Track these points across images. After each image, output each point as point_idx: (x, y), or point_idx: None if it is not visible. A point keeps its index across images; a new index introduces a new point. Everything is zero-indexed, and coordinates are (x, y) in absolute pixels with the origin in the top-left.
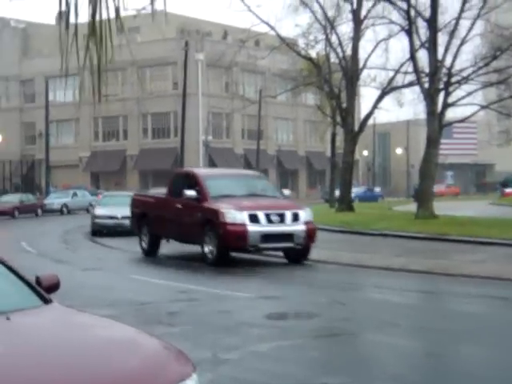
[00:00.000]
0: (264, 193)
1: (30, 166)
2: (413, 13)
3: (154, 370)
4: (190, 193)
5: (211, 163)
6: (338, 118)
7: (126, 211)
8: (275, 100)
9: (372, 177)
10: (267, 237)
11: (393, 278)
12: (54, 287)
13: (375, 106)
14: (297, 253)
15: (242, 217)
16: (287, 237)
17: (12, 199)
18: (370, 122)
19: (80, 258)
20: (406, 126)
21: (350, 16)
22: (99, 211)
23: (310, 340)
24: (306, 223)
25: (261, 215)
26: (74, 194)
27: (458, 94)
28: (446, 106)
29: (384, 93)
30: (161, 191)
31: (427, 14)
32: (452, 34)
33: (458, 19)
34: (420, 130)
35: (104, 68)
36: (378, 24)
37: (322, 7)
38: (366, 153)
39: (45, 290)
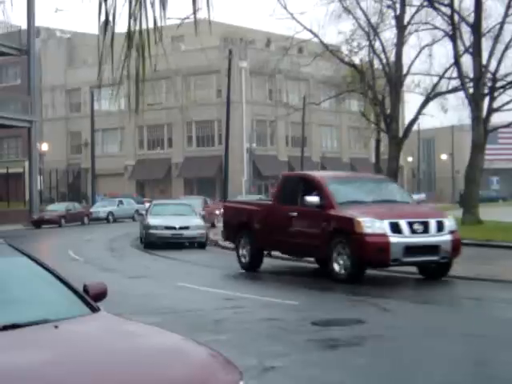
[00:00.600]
0: (395, 198)
1: (76, 175)
2: (456, 18)
3: (202, 378)
4: (313, 199)
5: (255, 170)
6: (382, 124)
7: (183, 221)
8: (319, 107)
9: (417, 183)
10: (411, 249)
11: (444, 285)
12: (101, 295)
13: (419, 112)
14: (439, 267)
15: (382, 226)
16: (432, 249)
17: (59, 208)
18: (415, 127)
19: (126, 266)
20: (450, 131)
21: (393, 22)
22: (153, 221)
23: (355, 347)
24: (452, 233)
25: (403, 224)
26: (120, 203)
27: (503, 98)
28: (490, 111)
29: (428, 98)
30: (252, 198)
31: (471, 19)
32: (496, 39)
33: (502, 24)
34: (465, 136)
35: (145, 77)
36: (422, 30)
37: (365, 14)
38: (410, 159)
39: (92, 298)
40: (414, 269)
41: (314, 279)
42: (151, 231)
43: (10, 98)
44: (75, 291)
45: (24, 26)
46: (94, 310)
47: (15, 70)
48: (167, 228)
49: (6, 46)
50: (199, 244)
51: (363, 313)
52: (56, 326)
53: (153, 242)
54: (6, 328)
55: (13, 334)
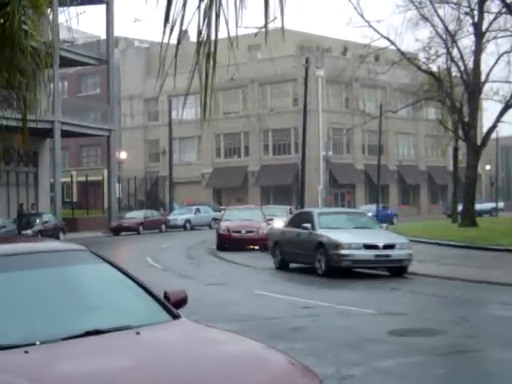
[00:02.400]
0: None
1: (154, 183)
2: None
3: None
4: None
5: (331, 179)
6: (460, 132)
7: (380, 236)
8: (396, 115)
9: (495, 191)
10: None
11: None
12: (182, 302)
13: (498, 120)
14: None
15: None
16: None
17: (137, 215)
18: (493, 135)
19: (204, 273)
20: None
21: (471, 29)
22: (340, 237)
23: (433, 357)
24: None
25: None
26: (197, 210)
27: None
28: None
29: (507, 106)
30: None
31: None
32: None
33: None
34: None
35: (214, 87)
36: (500, 36)
37: (442, 21)
38: (488, 167)
39: (173, 305)
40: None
41: (388, 288)
42: (342, 252)
43: (89, 107)
44: (156, 298)
45: (103, 36)
46: (175, 316)
47: (95, 80)
48: (367, 247)
49: (85, 56)
50: (400, 269)
51: (441, 322)
52: (138, 333)
53: (342, 268)
54: (88, 334)
55: (95, 340)
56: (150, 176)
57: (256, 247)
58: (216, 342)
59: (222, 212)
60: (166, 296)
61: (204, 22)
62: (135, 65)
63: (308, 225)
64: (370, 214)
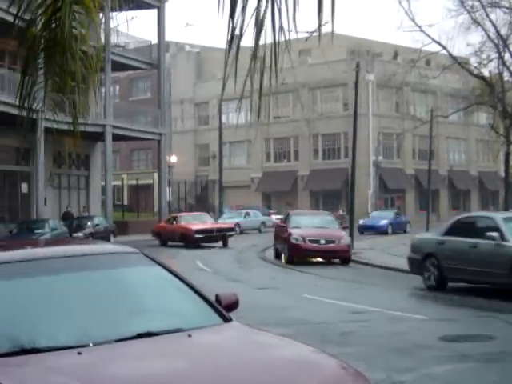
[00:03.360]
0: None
1: (204, 187)
2: None
3: None
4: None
5: (381, 184)
6: None
7: None
8: (446, 119)
9: None
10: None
11: None
12: (233, 306)
13: None
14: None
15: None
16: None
17: None
18: None
19: (253, 277)
20: None
21: None
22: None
23: (486, 363)
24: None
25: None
26: (247, 214)
27: None
28: None
29: None
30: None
31: None
32: None
33: None
34: None
35: (270, 91)
36: None
37: (494, 25)
38: None
39: (224, 308)
40: None
41: (437, 293)
42: None
43: (140, 111)
44: (208, 301)
45: (154, 41)
46: (227, 319)
47: (146, 84)
48: None
49: (137, 61)
50: None
51: (492, 328)
52: (189, 335)
53: None
54: (140, 336)
55: (147, 342)
56: (200, 180)
57: (336, 260)
58: (268, 345)
59: (273, 216)
60: (217, 299)
61: (260, 26)
62: (186, 69)
63: (494, 234)
64: (385, 222)
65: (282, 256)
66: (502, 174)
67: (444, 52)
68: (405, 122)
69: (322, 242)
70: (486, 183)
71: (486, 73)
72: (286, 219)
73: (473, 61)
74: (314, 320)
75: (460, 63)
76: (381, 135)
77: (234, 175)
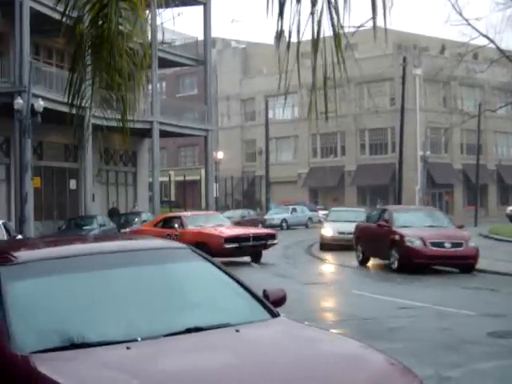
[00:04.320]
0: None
1: (251, 182)
2: None
3: None
4: None
5: (429, 179)
6: None
7: None
8: (495, 114)
9: None
10: None
11: None
12: (280, 301)
13: None
14: None
15: None
16: None
17: (234, 215)
18: None
19: (301, 273)
20: None
21: None
22: None
23: None
24: None
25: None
26: (293, 210)
27: None
28: None
29: None
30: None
31: None
32: None
33: None
34: None
35: (317, 86)
36: None
37: None
38: None
39: (272, 303)
40: None
41: (485, 289)
42: None
43: (187, 108)
44: (255, 296)
45: (201, 37)
46: (274, 315)
47: (192, 80)
48: None
49: (183, 57)
50: None
51: None
52: (237, 330)
53: None
54: (189, 331)
55: (196, 337)
56: (247, 176)
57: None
58: (315, 340)
59: (320, 212)
60: (264, 294)
61: (313, 21)
62: (232, 65)
63: None
64: None
65: (395, 262)
66: None
67: (492, 45)
68: (452, 117)
69: (447, 245)
70: None
71: None
72: (381, 216)
73: None
74: (363, 315)
75: (508, 57)
76: (428, 130)
77: (281, 171)
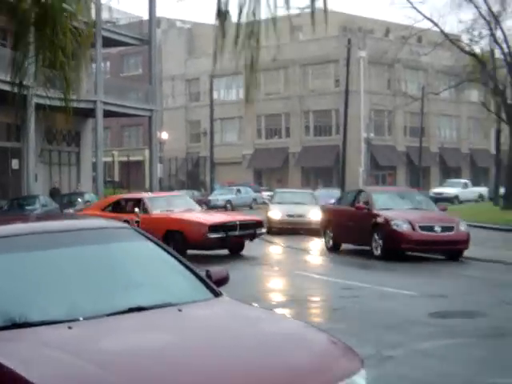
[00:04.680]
0: None
1: (195, 163)
2: None
3: (323, 364)
4: None
5: (372, 161)
6: (503, 115)
7: None
8: (438, 97)
9: None
10: None
11: None
12: (223, 281)
13: None
14: None
15: None
16: None
17: None
18: None
19: (245, 253)
20: None
21: None
22: None
23: (475, 339)
24: None
25: None
26: (238, 191)
27: None
28: None
29: None
30: None
31: None
32: None
33: None
34: None
35: (258, 68)
36: None
37: (486, 2)
38: None
39: (215, 283)
40: None
41: (432, 269)
42: None
43: (131, 88)
44: (198, 276)
45: (145, 17)
46: (217, 294)
47: (136, 60)
48: None
49: (128, 36)
50: None
51: (483, 305)
52: (180, 310)
53: None
54: (131, 310)
55: (138, 317)
56: (191, 157)
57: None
58: (257, 319)
59: (264, 193)
60: (207, 274)
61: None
62: (177, 45)
63: None
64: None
65: (377, 248)
66: (493, 151)
67: (436, 29)
68: (396, 99)
69: (438, 229)
70: (476, 160)
71: (477, 50)
72: (357, 198)
73: (464, 38)
74: (306, 296)
75: (451, 40)
76: (372, 112)
77: (225, 152)
